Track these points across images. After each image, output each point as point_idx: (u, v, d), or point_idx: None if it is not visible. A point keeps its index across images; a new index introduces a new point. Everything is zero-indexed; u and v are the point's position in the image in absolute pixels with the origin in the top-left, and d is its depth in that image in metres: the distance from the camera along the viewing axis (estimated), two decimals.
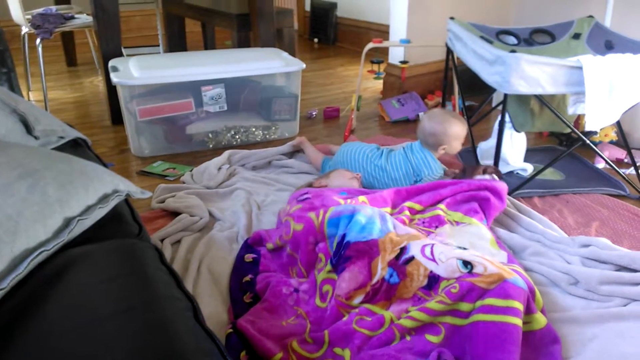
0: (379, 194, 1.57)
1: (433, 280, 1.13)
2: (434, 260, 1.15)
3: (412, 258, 1.17)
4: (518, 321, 1.03)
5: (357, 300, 1.18)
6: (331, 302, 1.19)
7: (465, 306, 1.07)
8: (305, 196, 1.55)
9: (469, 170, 1.75)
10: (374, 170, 1.84)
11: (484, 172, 1.72)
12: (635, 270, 1.36)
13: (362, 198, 1.51)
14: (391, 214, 1.50)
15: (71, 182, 0.82)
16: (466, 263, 1.13)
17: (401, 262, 1.17)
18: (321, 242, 1.32)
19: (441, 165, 1.83)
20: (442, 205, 1.51)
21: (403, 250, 1.19)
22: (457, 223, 1.50)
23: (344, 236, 1.26)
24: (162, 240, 1.55)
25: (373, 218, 1.30)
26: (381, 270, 1.17)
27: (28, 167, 0.80)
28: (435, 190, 1.60)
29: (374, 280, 1.17)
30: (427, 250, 1.18)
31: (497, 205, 1.56)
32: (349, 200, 1.49)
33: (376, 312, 1.15)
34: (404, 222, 1.46)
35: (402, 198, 1.61)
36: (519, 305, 1.04)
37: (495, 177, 1.70)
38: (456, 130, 1.79)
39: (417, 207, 1.56)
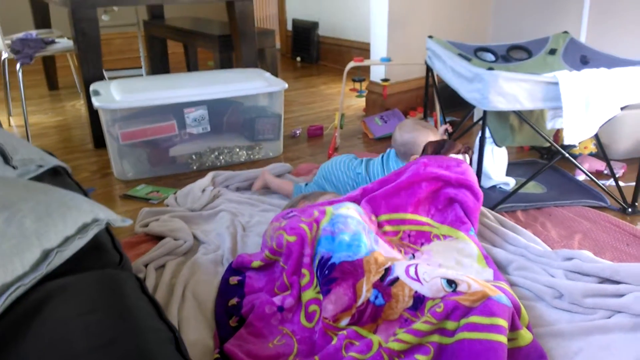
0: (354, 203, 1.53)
1: (418, 301, 1.13)
2: (418, 280, 1.16)
3: (396, 279, 1.17)
4: (503, 338, 1.03)
5: (343, 322, 1.17)
6: (318, 324, 1.18)
7: (450, 324, 1.07)
8: (292, 214, 1.54)
9: (447, 146, 1.75)
10: (357, 177, 1.87)
11: (458, 152, 1.74)
12: (618, 282, 1.37)
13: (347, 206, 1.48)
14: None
15: (49, 213, 0.81)
16: (450, 282, 1.13)
17: (386, 283, 1.17)
18: (306, 256, 1.31)
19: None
20: (428, 220, 1.51)
21: (388, 271, 1.19)
22: (445, 237, 1.50)
23: (329, 258, 1.25)
24: (146, 265, 1.53)
25: (359, 234, 1.29)
26: (366, 292, 1.17)
27: (5, 200, 0.79)
28: (411, 189, 1.56)
29: (359, 302, 1.17)
30: (412, 271, 1.18)
31: (475, 204, 1.55)
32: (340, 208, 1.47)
33: (364, 335, 1.14)
34: (389, 243, 1.45)
35: (377, 204, 1.56)
36: (503, 323, 1.05)
37: (468, 158, 1.72)
38: (425, 139, 1.83)
39: (395, 216, 1.53)
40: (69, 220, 0.83)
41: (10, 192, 0.82)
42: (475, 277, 1.19)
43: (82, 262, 0.85)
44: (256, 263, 1.42)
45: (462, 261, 1.39)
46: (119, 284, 0.76)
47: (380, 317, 1.16)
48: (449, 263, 1.38)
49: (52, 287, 0.73)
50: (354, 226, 1.32)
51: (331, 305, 1.18)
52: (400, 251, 1.46)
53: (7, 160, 1.08)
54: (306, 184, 1.98)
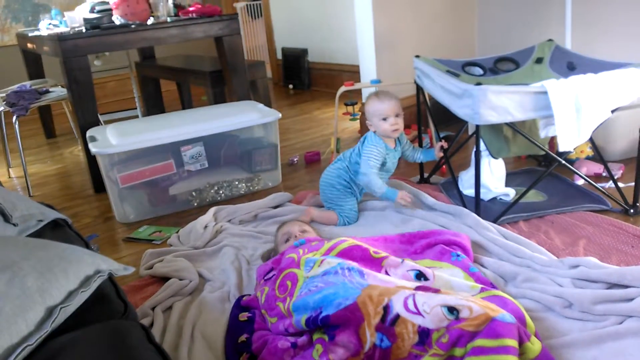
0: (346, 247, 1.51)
1: (424, 335, 1.11)
2: (419, 313, 1.13)
3: (397, 316, 1.14)
4: (513, 358, 1.02)
5: None
6: None
7: (459, 351, 1.06)
8: (272, 273, 1.53)
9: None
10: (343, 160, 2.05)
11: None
12: (626, 286, 1.37)
13: (325, 247, 1.49)
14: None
15: (50, 270, 0.81)
16: (451, 309, 1.12)
17: (388, 323, 1.14)
18: (289, 327, 1.30)
19: (380, 141, 1.95)
20: (408, 260, 1.47)
21: (387, 309, 1.16)
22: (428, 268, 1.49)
23: (319, 314, 1.22)
24: (153, 309, 1.53)
25: (343, 283, 1.27)
26: (370, 337, 1.14)
27: (5, 260, 0.80)
28: (408, 245, 1.64)
29: (366, 348, 1.14)
30: (410, 304, 1.15)
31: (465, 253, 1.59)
32: (300, 250, 1.49)
33: None
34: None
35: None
36: (511, 343, 1.03)
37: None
38: (368, 106, 1.95)
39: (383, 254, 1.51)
40: (71, 275, 0.83)
41: (11, 252, 0.83)
42: (473, 299, 1.18)
43: (87, 314, 0.85)
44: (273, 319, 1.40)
45: (452, 282, 1.38)
46: (125, 335, 0.76)
47: (389, 358, 1.14)
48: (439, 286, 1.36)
49: (58, 345, 0.73)
50: (332, 279, 1.31)
51: (340, 349, 1.16)
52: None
53: (7, 219, 1.09)
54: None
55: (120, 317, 0.88)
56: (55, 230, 1.18)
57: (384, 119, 1.92)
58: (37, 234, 1.12)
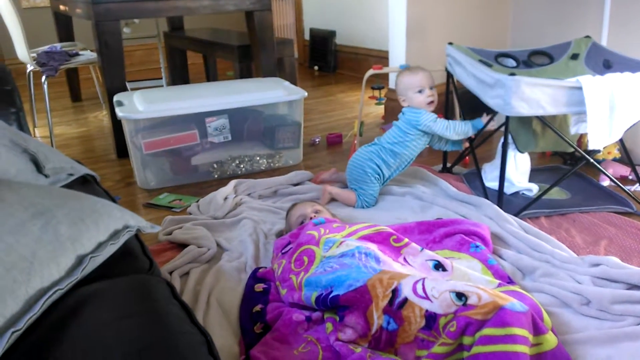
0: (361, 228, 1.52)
1: (431, 319, 1.11)
2: (427, 298, 1.14)
3: (405, 300, 1.15)
4: (520, 348, 1.01)
5: (364, 346, 1.17)
6: (336, 343, 1.17)
7: (467, 339, 1.06)
8: (289, 247, 1.54)
9: None
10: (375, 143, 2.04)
11: None
12: None
13: (344, 232, 1.49)
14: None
15: (82, 220, 0.83)
16: (460, 295, 1.12)
17: (395, 306, 1.15)
18: (297, 300, 1.31)
19: (417, 109, 1.93)
20: (427, 251, 1.47)
21: (395, 293, 1.17)
22: (446, 258, 1.49)
23: (330, 292, 1.24)
24: (170, 273, 1.55)
25: (357, 266, 1.28)
26: (377, 319, 1.15)
27: (40, 207, 0.81)
28: (427, 234, 1.63)
29: (373, 330, 1.15)
30: (419, 288, 1.15)
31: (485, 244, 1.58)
32: (322, 230, 1.49)
33: (385, 356, 1.14)
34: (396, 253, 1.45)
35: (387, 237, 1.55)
36: (519, 332, 1.02)
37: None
38: (400, 81, 1.93)
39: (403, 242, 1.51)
40: (102, 227, 0.85)
41: (45, 199, 0.84)
42: (483, 286, 1.17)
43: (114, 268, 0.87)
44: (283, 290, 1.42)
45: (470, 275, 1.38)
46: (151, 289, 0.78)
47: (395, 341, 1.14)
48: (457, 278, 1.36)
49: (86, 292, 0.75)
50: (348, 261, 1.31)
51: (349, 329, 1.17)
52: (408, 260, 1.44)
53: (39, 169, 1.11)
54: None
55: (145, 272, 0.90)
56: (84, 185, 1.20)
57: (420, 92, 1.89)
58: (67, 187, 1.14)
